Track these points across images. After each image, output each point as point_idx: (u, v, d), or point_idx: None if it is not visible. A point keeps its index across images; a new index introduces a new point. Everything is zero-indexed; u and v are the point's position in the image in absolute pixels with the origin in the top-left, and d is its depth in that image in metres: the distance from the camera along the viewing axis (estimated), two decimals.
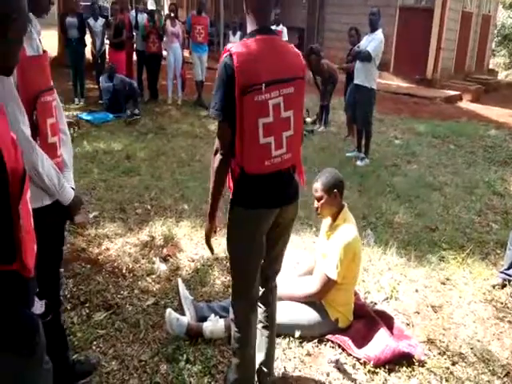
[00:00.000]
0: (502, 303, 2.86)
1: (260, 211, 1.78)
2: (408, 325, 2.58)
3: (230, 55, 1.59)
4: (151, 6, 16.55)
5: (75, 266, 2.88)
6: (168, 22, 7.58)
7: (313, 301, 2.37)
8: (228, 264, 3.07)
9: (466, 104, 10.48)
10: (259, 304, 2.01)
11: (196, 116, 7.33)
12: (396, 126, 7.70)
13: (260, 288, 2.00)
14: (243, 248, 1.84)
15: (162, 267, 3.02)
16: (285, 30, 7.84)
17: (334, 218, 2.35)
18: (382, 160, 5.81)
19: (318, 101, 7.28)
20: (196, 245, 3.32)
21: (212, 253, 2.01)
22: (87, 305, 2.57)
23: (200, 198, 4.08)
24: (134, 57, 8.25)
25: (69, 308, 2.53)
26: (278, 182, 1.77)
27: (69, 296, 2.62)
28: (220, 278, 2.92)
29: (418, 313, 2.68)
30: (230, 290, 2.03)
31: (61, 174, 1.56)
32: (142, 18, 7.69)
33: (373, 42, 5.28)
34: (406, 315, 2.65)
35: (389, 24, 12.46)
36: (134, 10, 7.84)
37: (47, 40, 10.45)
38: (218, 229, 1.93)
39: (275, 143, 1.69)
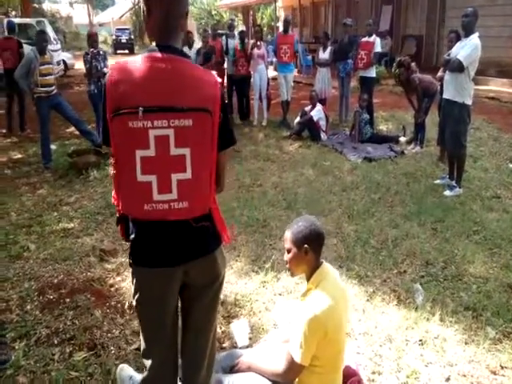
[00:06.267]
0: None
1: (144, 270, 1.47)
2: None
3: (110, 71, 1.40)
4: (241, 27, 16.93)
5: (80, 297, 2.88)
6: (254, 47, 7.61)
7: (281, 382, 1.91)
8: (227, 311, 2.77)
9: None
10: None
11: (276, 137, 7.11)
12: None
13: None
14: (140, 313, 1.58)
15: None
16: (378, 40, 7.12)
17: (307, 279, 1.88)
18: (480, 190, 4.79)
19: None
20: None
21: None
22: (73, 341, 2.52)
23: (241, 227, 3.85)
24: (226, 81, 8.43)
25: (56, 343, 2.51)
26: (163, 234, 1.43)
27: (61, 330, 2.61)
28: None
29: None
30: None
31: None
32: (233, 43, 7.83)
33: (465, 49, 4.39)
34: None
35: None
36: (224, 36, 8.03)
37: None
38: None
39: (158, 185, 1.37)
